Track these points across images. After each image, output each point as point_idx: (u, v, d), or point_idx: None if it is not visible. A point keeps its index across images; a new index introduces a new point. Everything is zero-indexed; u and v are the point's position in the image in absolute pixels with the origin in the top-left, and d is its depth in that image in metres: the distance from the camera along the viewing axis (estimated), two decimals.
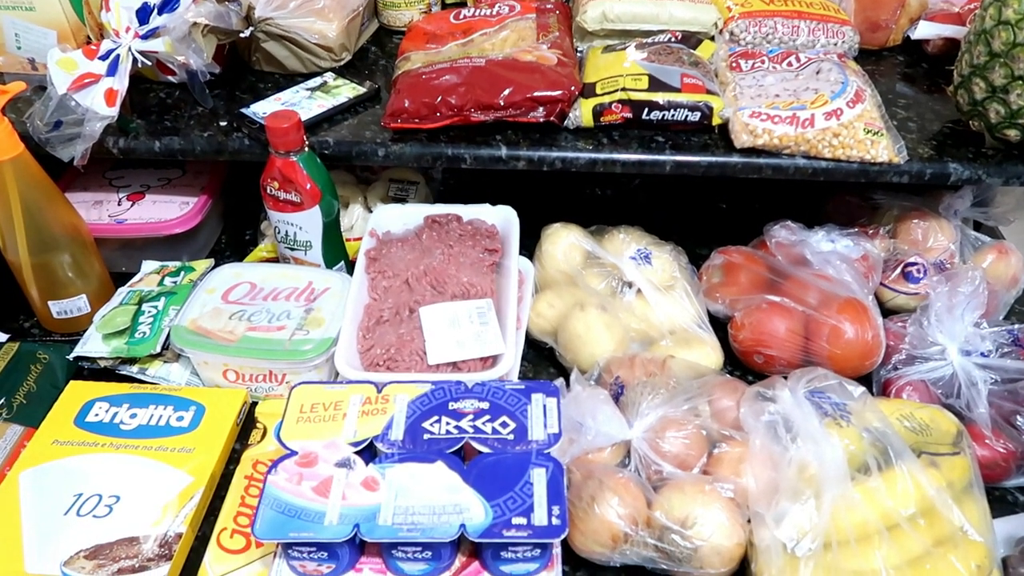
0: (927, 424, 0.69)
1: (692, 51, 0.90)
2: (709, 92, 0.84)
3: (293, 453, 0.64)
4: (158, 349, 0.83)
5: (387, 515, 0.59)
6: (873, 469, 0.64)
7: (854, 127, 0.81)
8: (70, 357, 0.85)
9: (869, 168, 0.82)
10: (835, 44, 0.96)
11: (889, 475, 0.64)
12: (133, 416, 0.78)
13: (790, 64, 0.90)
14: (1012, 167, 0.82)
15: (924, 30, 0.98)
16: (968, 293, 0.78)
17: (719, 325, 0.88)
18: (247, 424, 0.81)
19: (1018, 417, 0.74)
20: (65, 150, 0.82)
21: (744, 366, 0.87)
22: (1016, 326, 0.83)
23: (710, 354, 0.83)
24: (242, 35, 0.89)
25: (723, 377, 0.78)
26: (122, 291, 0.90)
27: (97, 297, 0.90)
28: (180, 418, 0.79)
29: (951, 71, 0.85)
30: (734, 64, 0.91)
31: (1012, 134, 0.80)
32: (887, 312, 0.90)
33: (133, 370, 0.85)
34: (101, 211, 0.95)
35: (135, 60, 0.84)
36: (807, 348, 0.81)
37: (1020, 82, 0.76)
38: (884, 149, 0.81)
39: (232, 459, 0.78)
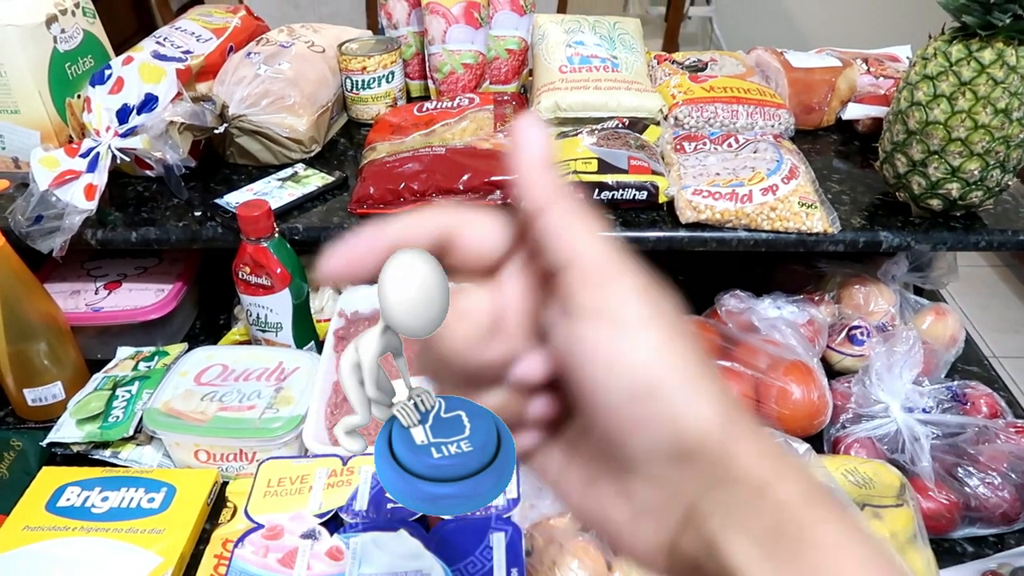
0: (870, 478, 0.72)
1: (639, 135, 0.97)
2: (655, 172, 0.90)
3: (260, 526, 0.66)
4: (131, 432, 0.85)
5: None
6: None
7: (789, 201, 0.87)
8: (44, 443, 0.86)
9: (806, 238, 0.87)
10: (772, 126, 1.03)
11: None
12: (105, 499, 0.80)
13: (730, 145, 0.97)
14: (937, 234, 0.88)
15: (853, 111, 1.06)
16: (904, 352, 0.82)
17: None
18: (217, 504, 0.82)
19: (960, 469, 0.77)
20: (45, 242, 0.86)
21: None
22: (955, 383, 0.87)
23: None
24: (216, 131, 0.95)
25: None
26: (97, 377, 0.92)
27: (72, 384, 0.92)
28: (151, 499, 0.80)
29: (878, 147, 0.92)
30: (678, 146, 0.98)
31: (934, 203, 0.86)
32: (837, 374, 0.94)
33: (106, 454, 0.86)
34: (78, 300, 0.98)
35: (114, 157, 0.89)
36: (759, 410, 0.85)
37: (936, 156, 0.83)
38: (818, 220, 0.87)
39: (202, 539, 0.79)
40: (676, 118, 1.04)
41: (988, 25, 0.77)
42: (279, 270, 0.86)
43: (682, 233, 0.88)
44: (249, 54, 1.03)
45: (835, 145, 1.07)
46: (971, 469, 0.77)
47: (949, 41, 0.81)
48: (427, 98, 1.15)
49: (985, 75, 0.78)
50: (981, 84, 0.78)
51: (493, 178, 0.88)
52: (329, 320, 0.94)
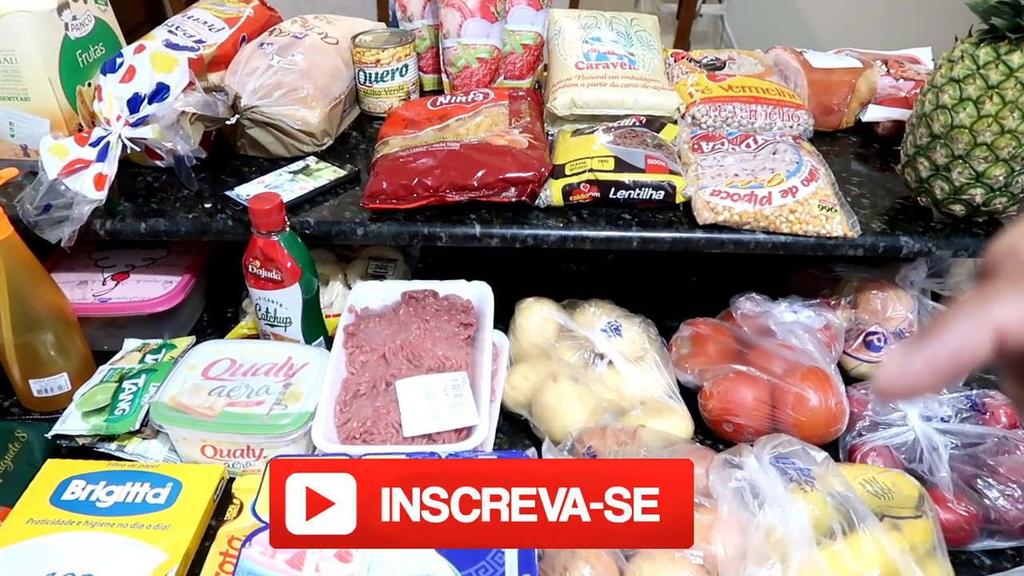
0: (889, 488, 0.71)
1: (656, 134, 0.95)
2: (672, 172, 0.89)
3: (268, 526, 0.65)
4: (137, 426, 0.84)
5: None
6: (837, 533, 0.66)
7: (809, 204, 0.85)
8: (49, 435, 0.85)
9: (825, 242, 0.86)
10: (791, 127, 1.02)
11: (853, 539, 0.65)
12: (110, 493, 0.79)
13: (748, 145, 0.95)
14: (959, 240, 0.86)
15: (873, 113, 1.05)
16: None
17: (689, 395, 0.90)
18: (224, 500, 0.81)
19: (979, 480, 0.76)
20: (53, 232, 0.85)
21: (714, 435, 0.89)
22: (974, 392, 0.86)
23: (680, 423, 0.85)
24: (228, 122, 0.94)
25: (692, 445, 0.79)
26: (103, 369, 0.91)
27: (78, 375, 0.91)
28: (156, 495, 0.79)
29: (899, 151, 0.90)
30: (696, 146, 0.96)
31: (957, 209, 0.85)
32: (852, 380, 0.92)
33: (111, 447, 0.85)
34: (86, 291, 0.97)
35: (124, 146, 0.88)
36: (774, 416, 0.83)
37: (960, 161, 0.81)
38: (838, 224, 0.85)
39: (208, 535, 0.78)
40: (693, 117, 1.02)
41: (1017, 28, 0.76)
42: (289, 264, 0.85)
43: (699, 234, 0.87)
44: (262, 44, 1.01)
45: (854, 147, 1.06)
46: (990, 481, 0.76)
47: (977, 43, 0.79)
48: (441, 92, 1.13)
49: (1013, 79, 0.77)
50: (1009, 88, 0.77)
51: (508, 174, 0.87)
52: (339, 315, 0.93)
